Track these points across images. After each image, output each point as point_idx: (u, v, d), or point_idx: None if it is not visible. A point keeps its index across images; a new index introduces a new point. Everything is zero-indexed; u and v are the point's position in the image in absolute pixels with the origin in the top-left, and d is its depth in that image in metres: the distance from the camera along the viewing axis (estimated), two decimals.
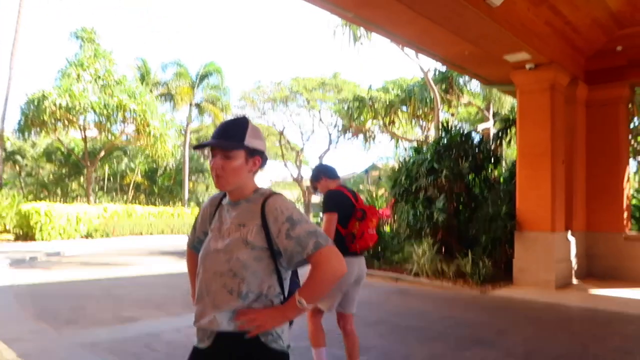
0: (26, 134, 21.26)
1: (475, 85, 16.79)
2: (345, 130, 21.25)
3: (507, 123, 10.99)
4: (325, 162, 27.73)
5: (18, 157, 29.60)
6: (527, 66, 8.76)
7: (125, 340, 4.87)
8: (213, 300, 1.67)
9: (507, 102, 15.14)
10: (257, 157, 1.78)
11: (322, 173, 3.82)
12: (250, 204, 1.74)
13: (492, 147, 10.65)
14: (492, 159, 10.30)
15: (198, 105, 28.92)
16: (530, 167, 8.82)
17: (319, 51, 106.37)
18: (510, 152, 15.06)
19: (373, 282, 9.45)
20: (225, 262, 1.67)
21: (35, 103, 19.53)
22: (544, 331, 5.63)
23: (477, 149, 10.06)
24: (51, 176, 30.53)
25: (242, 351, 1.66)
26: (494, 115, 15.96)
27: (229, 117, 31.46)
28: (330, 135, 32.71)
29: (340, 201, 3.57)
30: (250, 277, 1.65)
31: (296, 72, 79.74)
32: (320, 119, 33.31)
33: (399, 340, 5.07)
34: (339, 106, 23.16)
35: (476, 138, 10.75)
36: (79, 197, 30.72)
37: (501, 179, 10.36)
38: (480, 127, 16.29)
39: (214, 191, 39.65)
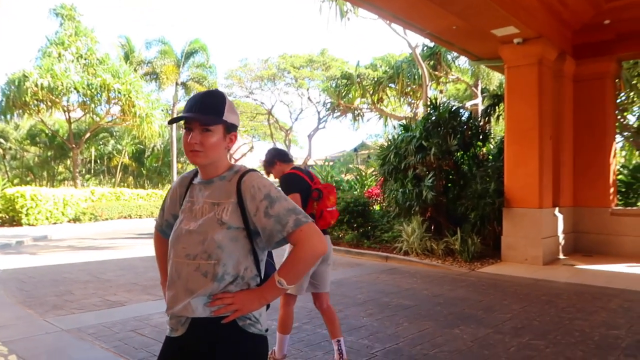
0: (8, 115, 20.80)
1: (463, 61, 16.66)
2: (333, 108, 21.05)
3: (495, 99, 10.94)
4: (314, 140, 27.52)
5: (1, 140, 29.09)
6: (515, 40, 8.67)
7: (113, 324, 4.82)
8: (186, 285, 1.59)
9: (495, 79, 15.05)
10: (234, 133, 1.71)
11: (276, 157, 3.78)
12: (225, 182, 1.66)
13: (481, 124, 10.62)
14: (481, 136, 10.28)
15: (184, 85, 28.45)
16: (518, 143, 8.80)
17: (306, 27, 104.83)
18: (498, 128, 15.04)
19: (363, 261, 9.48)
20: (199, 243, 1.58)
21: (16, 83, 19.06)
22: (532, 307, 5.68)
23: (465, 125, 10.00)
24: (36, 159, 30.10)
25: (219, 337, 1.59)
26: (482, 91, 15.87)
27: None
28: (319, 113, 32.53)
29: (298, 183, 3.56)
30: (226, 259, 1.57)
31: (283, 49, 78.75)
32: (309, 98, 33.06)
33: (388, 319, 5.08)
34: (327, 84, 22.91)
35: (465, 115, 10.68)
36: (65, 181, 30.38)
37: (490, 156, 10.36)
38: (469, 104, 16.21)
39: None
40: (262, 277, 1.68)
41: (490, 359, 3.93)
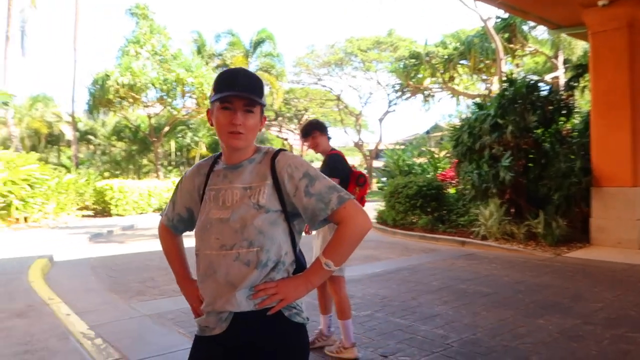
0: (95, 113, 22.31)
1: (541, 31, 15.52)
2: (402, 90, 20.50)
3: (579, 70, 10.07)
4: (385, 124, 27.06)
5: (91, 137, 31.34)
6: (600, 3, 7.87)
7: (190, 311, 4.96)
8: (226, 277, 1.48)
9: (579, 47, 13.85)
10: (265, 116, 1.62)
11: (316, 127, 3.67)
12: (255, 164, 1.56)
13: (563, 97, 9.80)
14: (564, 110, 9.48)
15: None
16: (607, 116, 8.04)
17: (372, 8, 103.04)
18: (583, 102, 13.88)
19: (437, 246, 9.17)
20: (236, 231, 1.47)
21: (100, 83, 20.36)
22: (627, 295, 5.16)
23: (545, 100, 9.28)
24: (123, 153, 32.13)
25: (264, 331, 1.49)
26: (564, 62, 14.68)
27: (285, 84, 31.41)
28: (388, 96, 31.90)
29: (343, 167, 3.64)
30: (268, 244, 1.47)
31: (350, 33, 77.95)
32: (378, 81, 32.48)
33: (464, 308, 4.83)
34: (395, 65, 22.31)
35: (544, 89, 9.90)
36: (150, 173, 32.23)
37: (574, 132, 9.56)
38: (549, 76, 15.07)
39: None
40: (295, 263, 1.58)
41: (580, 352, 3.59)
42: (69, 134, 28.61)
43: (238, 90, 1.49)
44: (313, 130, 3.60)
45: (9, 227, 12.79)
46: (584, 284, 5.80)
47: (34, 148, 27.91)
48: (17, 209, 13.09)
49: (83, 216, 17.02)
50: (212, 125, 1.56)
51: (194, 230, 1.62)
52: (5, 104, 11.66)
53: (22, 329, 4.19)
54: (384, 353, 3.64)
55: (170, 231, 1.79)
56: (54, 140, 31.84)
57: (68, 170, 21.94)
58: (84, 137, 31.05)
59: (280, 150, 1.59)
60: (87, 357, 3.54)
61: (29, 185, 13.34)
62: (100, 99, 20.89)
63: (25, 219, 13.76)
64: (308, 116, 39.46)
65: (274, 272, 1.49)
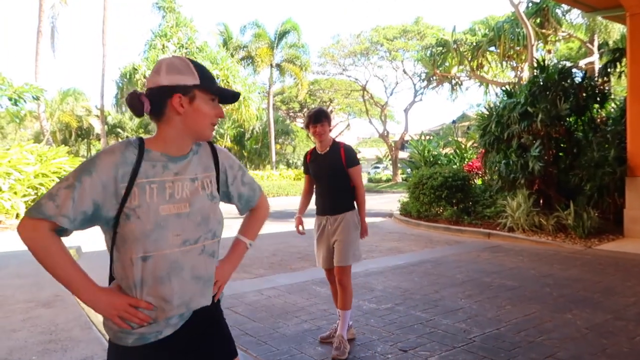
0: (123, 107, 22.74)
1: (575, 15, 14.91)
2: (429, 79, 20.12)
3: (615, 54, 9.64)
4: (411, 114, 26.69)
5: (119, 130, 32.01)
6: None
7: None
8: (192, 273, 1.44)
9: (615, 31, 13.26)
10: None
11: (327, 116, 3.58)
12: (198, 156, 1.54)
13: (598, 83, 9.40)
14: (598, 97, 9.10)
15: (278, 66, 28.98)
16: None
17: None
18: (620, 88, 13.33)
19: (462, 238, 8.98)
20: (200, 225, 1.45)
21: (128, 76, 20.72)
22: None
23: (579, 87, 8.92)
24: None
25: (211, 318, 1.57)
26: (600, 47, 14.09)
27: (309, 75, 31.24)
28: (414, 86, 31.44)
29: None
30: (221, 233, 1.56)
31: (376, 22, 77.07)
32: (404, 70, 32.03)
33: (488, 301, 4.69)
34: (421, 54, 21.90)
35: (578, 75, 9.53)
36: None
37: (609, 119, 9.18)
38: (583, 62, 14.50)
39: (302, 152, 40.25)
40: None
41: (611, 349, 3.43)
42: (98, 127, 29.24)
43: (216, 83, 1.55)
44: (325, 118, 3.51)
45: None
46: (616, 277, 5.57)
47: (64, 141, 28.69)
48: None
49: None
50: (179, 108, 1.41)
51: (124, 229, 1.38)
52: (37, 98, 11.92)
53: (47, 319, 4.27)
54: (404, 347, 3.55)
55: (53, 234, 1.36)
56: (83, 133, 32.64)
57: None
58: (112, 130, 31.74)
59: (210, 142, 1.60)
60: (107, 346, 3.57)
61: (59, 178, 13.67)
62: (127, 93, 21.26)
63: None
64: (333, 107, 39.29)
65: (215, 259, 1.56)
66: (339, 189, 3.55)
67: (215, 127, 1.53)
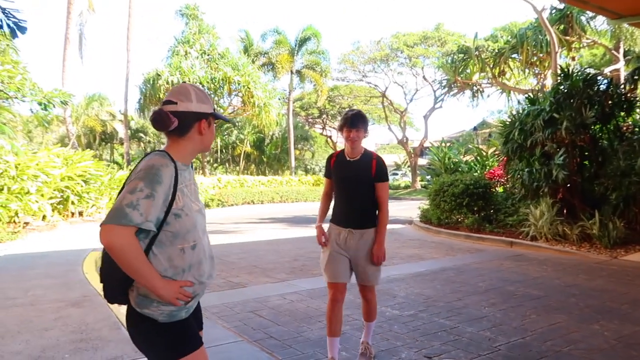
0: (146, 112, 23.11)
1: (600, 21, 14.71)
2: (450, 85, 20.01)
3: None
4: (431, 121, 26.58)
5: (141, 135, 32.54)
6: None
7: (234, 305, 5.04)
8: (210, 253, 1.89)
9: None
10: None
11: (366, 121, 3.31)
12: (189, 168, 1.91)
13: (624, 91, 9.26)
14: (625, 105, 8.96)
15: (299, 72, 29.15)
16: None
17: (420, 3, 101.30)
18: None
19: (484, 246, 8.91)
20: (204, 218, 1.92)
21: (151, 82, 21.07)
22: None
23: (604, 94, 8.80)
24: None
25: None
26: (625, 54, 13.88)
27: (329, 81, 31.36)
28: (434, 92, 31.30)
29: None
30: None
31: (396, 29, 76.98)
32: (424, 76, 31.94)
33: (513, 310, 4.65)
34: (442, 60, 21.84)
35: (603, 82, 9.40)
36: (197, 170, 33.11)
37: (636, 128, 9.02)
38: (608, 69, 14.29)
39: (321, 158, 40.27)
40: None
41: None
42: (122, 131, 29.77)
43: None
44: (362, 123, 3.22)
45: (65, 220, 13.44)
46: None
47: (89, 145, 29.27)
48: (72, 203, 13.72)
49: None
50: (203, 131, 1.83)
51: (175, 226, 1.72)
52: (65, 103, 12.23)
53: (77, 318, 4.38)
54: (428, 354, 3.56)
55: (136, 238, 1.64)
56: (107, 138, 33.26)
57: (120, 167, 22.85)
58: (135, 134, 32.26)
59: None
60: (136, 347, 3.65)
61: (84, 181, 13.96)
62: (151, 98, 21.62)
63: (80, 214, 14.42)
64: None
65: None
66: (366, 202, 3.27)
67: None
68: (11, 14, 3.77)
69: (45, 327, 4.15)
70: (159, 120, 1.74)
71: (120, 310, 4.62)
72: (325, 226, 3.40)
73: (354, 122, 3.18)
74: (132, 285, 1.73)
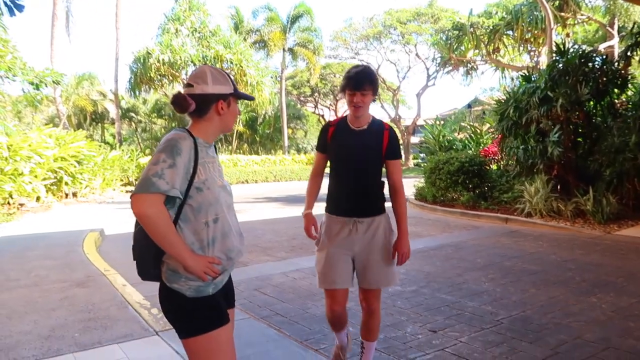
0: (137, 91, 22.80)
1: None
2: (444, 63, 19.92)
3: (636, 38, 9.48)
4: (423, 99, 26.46)
5: (132, 114, 32.16)
6: None
7: (238, 283, 5.03)
8: (235, 228, 1.91)
9: (636, 14, 13.03)
10: None
11: (376, 83, 2.62)
12: (212, 144, 1.94)
13: (619, 68, 9.29)
14: (619, 82, 9.00)
15: (291, 50, 28.84)
16: None
17: None
18: None
19: (480, 223, 9.02)
20: (229, 194, 1.94)
21: (142, 61, 20.74)
22: None
23: (599, 71, 8.84)
24: (163, 130, 32.87)
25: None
26: (619, 31, 13.87)
27: (321, 59, 31.08)
28: (427, 70, 31.18)
29: None
30: None
31: (389, 5, 76.11)
32: (417, 54, 31.76)
33: (512, 285, 4.75)
34: (436, 37, 21.70)
35: (598, 59, 9.42)
36: None
37: (629, 104, 9.09)
38: (602, 46, 14.29)
39: (313, 137, 40.18)
40: None
41: (638, 332, 3.49)
42: (113, 111, 29.43)
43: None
44: (370, 85, 2.53)
45: (59, 201, 13.38)
46: (638, 262, 5.60)
47: (79, 125, 28.92)
48: (66, 184, 13.66)
49: (127, 192, 17.59)
50: (221, 111, 1.86)
51: (198, 200, 1.77)
52: (57, 82, 12.05)
53: (83, 298, 4.41)
54: (433, 328, 3.64)
55: (164, 206, 1.70)
56: (98, 118, 32.86)
57: (112, 147, 22.66)
58: (126, 114, 31.88)
59: None
60: (145, 325, 3.70)
61: (77, 161, 13.87)
62: (141, 77, 21.33)
63: (74, 194, 14.36)
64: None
65: None
66: (372, 184, 2.64)
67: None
68: None
69: (52, 307, 4.18)
70: (178, 103, 1.81)
71: (126, 290, 4.67)
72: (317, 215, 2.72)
73: (359, 82, 2.50)
74: (162, 260, 1.78)
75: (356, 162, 2.60)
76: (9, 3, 3.70)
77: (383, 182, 2.70)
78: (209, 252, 1.79)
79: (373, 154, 2.60)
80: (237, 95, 1.91)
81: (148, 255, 1.78)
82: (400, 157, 2.70)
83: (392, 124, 8.04)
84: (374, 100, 2.62)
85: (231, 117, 1.91)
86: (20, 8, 3.80)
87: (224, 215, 1.83)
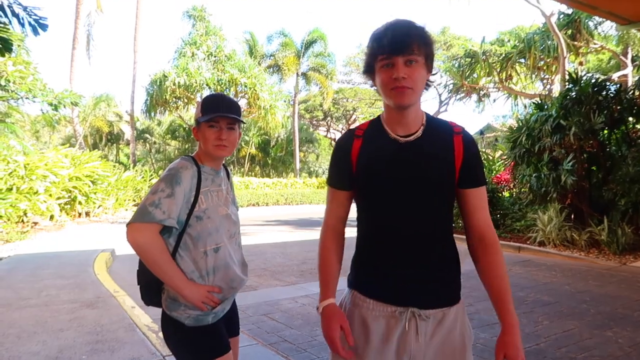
0: (152, 113, 23.17)
1: (607, 27, 14.70)
2: (456, 89, 20.00)
3: None
4: None
5: (147, 136, 32.63)
6: None
7: (246, 308, 5.06)
8: (236, 259, 1.88)
9: None
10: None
11: (427, 45, 1.49)
12: (221, 171, 1.95)
13: (635, 97, 9.24)
14: (634, 111, 8.95)
15: (304, 75, 29.20)
16: None
17: (425, 6, 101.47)
18: None
19: None
20: (235, 223, 1.91)
21: (158, 83, 21.12)
22: None
23: (613, 100, 8.80)
24: (177, 152, 33.26)
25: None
26: (633, 60, 13.87)
27: (334, 84, 31.42)
28: (440, 96, 31.31)
29: None
30: None
31: None
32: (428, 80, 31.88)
33: (525, 316, 4.66)
34: (448, 64, 21.86)
35: (612, 88, 9.39)
36: None
37: None
38: (616, 75, 14.28)
39: (325, 160, 40.25)
40: None
41: None
42: (128, 132, 29.88)
43: (223, 111, 1.82)
44: (426, 47, 1.42)
45: (72, 220, 13.51)
46: None
47: (95, 145, 29.38)
48: (80, 203, 13.80)
49: None
50: (196, 136, 1.87)
51: (197, 229, 1.76)
52: (75, 104, 12.35)
53: (92, 320, 4.41)
54: None
55: (160, 235, 1.71)
56: (113, 138, 33.39)
57: (126, 167, 22.93)
58: (140, 135, 32.35)
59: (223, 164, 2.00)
60: (152, 349, 3.68)
61: (91, 181, 14.04)
62: (157, 99, 21.68)
63: (87, 214, 14.49)
64: (357, 116, 39.34)
65: None
66: (442, 234, 1.53)
67: (224, 145, 1.83)
68: (32, 12, 3.81)
69: (61, 327, 4.18)
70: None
71: (134, 312, 4.66)
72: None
73: (401, 39, 1.37)
74: (163, 288, 1.78)
75: (407, 198, 1.46)
76: (32, 23, 3.80)
77: (449, 232, 1.56)
78: (208, 281, 1.77)
79: (437, 179, 1.46)
80: (203, 119, 1.81)
81: (151, 282, 1.78)
82: (485, 181, 1.56)
83: None
84: (428, 84, 1.48)
85: (205, 142, 1.83)
86: (44, 27, 3.90)
87: (224, 244, 1.81)
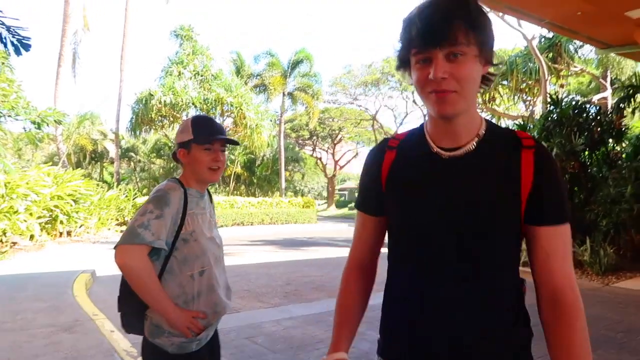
0: (137, 131, 23.02)
1: (587, 50, 15.10)
2: None
3: (629, 90, 9.69)
4: None
5: (132, 154, 32.38)
6: None
7: (229, 331, 4.96)
8: (221, 283, 1.86)
9: (628, 68, 13.43)
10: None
11: (481, 28, 1.04)
12: (205, 194, 1.93)
13: (614, 119, 9.44)
14: (613, 133, 9.13)
15: (291, 94, 29.38)
16: None
17: None
18: (636, 123, 13.36)
19: None
20: (219, 246, 1.90)
21: (144, 102, 21.05)
22: None
23: (593, 122, 8.98)
24: (161, 170, 33.01)
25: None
26: (612, 83, 14.23)
27: (320, 104, 31.65)
28: (425, 116, 31.68)
29: None
30: None
31: (387, 53, 78.17)
32: (414, 100, 32.39)
33: None
34: None
35: (592, 110, 9.59)
36: None
37: (623, 155, 9.18)
38: (596, 97, 14.63)
39: (311, 180, 40.22)
40: None
41: None
42: (112, 151, 29.63)
43: (222, 134, 1.85)
44: (477, 33, 1.00)
45: (53, 240, 13.24)
46: (638, 317, 5.50)
47: (78, 164, 29.02)
48: (61, 223, 13.54)
49: (122, 231, 17.45)
50: (183, 159, 1.86)
51: (184, 252, 1.75)
52: (59, 122, 12.21)
53: (69, 344, 4.28)
54: None
55: (149, 258, 1.69)
56: (97, 157, 33.05)
57: (110, 186, 22.65)
58: (125, 154, 32.09)
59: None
60: None
61: (73, 200, 13.81)
62: (143, 117, 21.59)
63: (69, 233, 14.22)
64: (342, 136, 39.58)
65: None
66: (499, 289, 1.15)
67: (219, 168, 1.85)
68: (16, 32, 3.75)
69: (36, 353, 4.05)
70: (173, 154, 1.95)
71: (113, 337, 4.54)
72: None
73: (440, 30, 0.98)
74: (146, 314, 1.73)
75: (446, 234, 1.09)
76: (15, 42, 3.74)
77: (522, 284, 1.23)
78: (193, 307, 1.74)
79: (490, 209, 1.08)
80: (197, 141, 1.80)
81: (132, 308, 1.74)
82: (569, 217, 1.17)
83: None
84: (487, 80, 1.10)
85: (198, 164, 1.81)
86: (27, 48, 3.83)
87: (210, 268, 1.79)
